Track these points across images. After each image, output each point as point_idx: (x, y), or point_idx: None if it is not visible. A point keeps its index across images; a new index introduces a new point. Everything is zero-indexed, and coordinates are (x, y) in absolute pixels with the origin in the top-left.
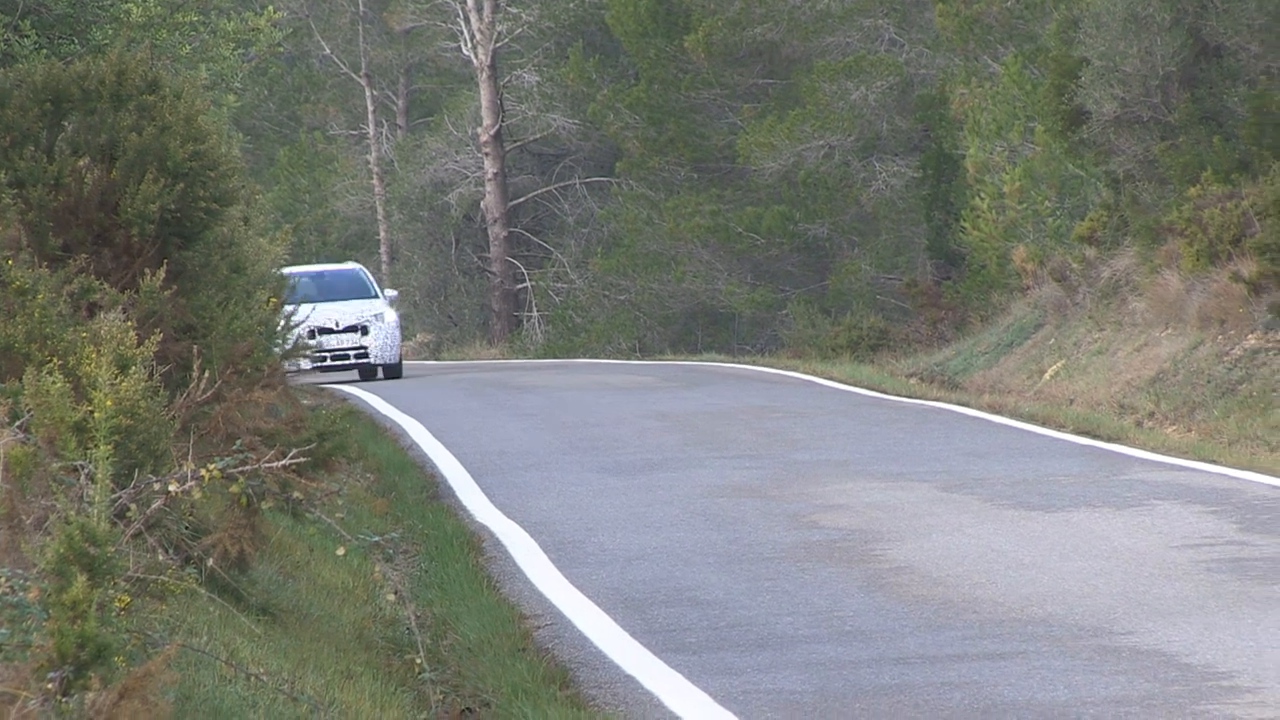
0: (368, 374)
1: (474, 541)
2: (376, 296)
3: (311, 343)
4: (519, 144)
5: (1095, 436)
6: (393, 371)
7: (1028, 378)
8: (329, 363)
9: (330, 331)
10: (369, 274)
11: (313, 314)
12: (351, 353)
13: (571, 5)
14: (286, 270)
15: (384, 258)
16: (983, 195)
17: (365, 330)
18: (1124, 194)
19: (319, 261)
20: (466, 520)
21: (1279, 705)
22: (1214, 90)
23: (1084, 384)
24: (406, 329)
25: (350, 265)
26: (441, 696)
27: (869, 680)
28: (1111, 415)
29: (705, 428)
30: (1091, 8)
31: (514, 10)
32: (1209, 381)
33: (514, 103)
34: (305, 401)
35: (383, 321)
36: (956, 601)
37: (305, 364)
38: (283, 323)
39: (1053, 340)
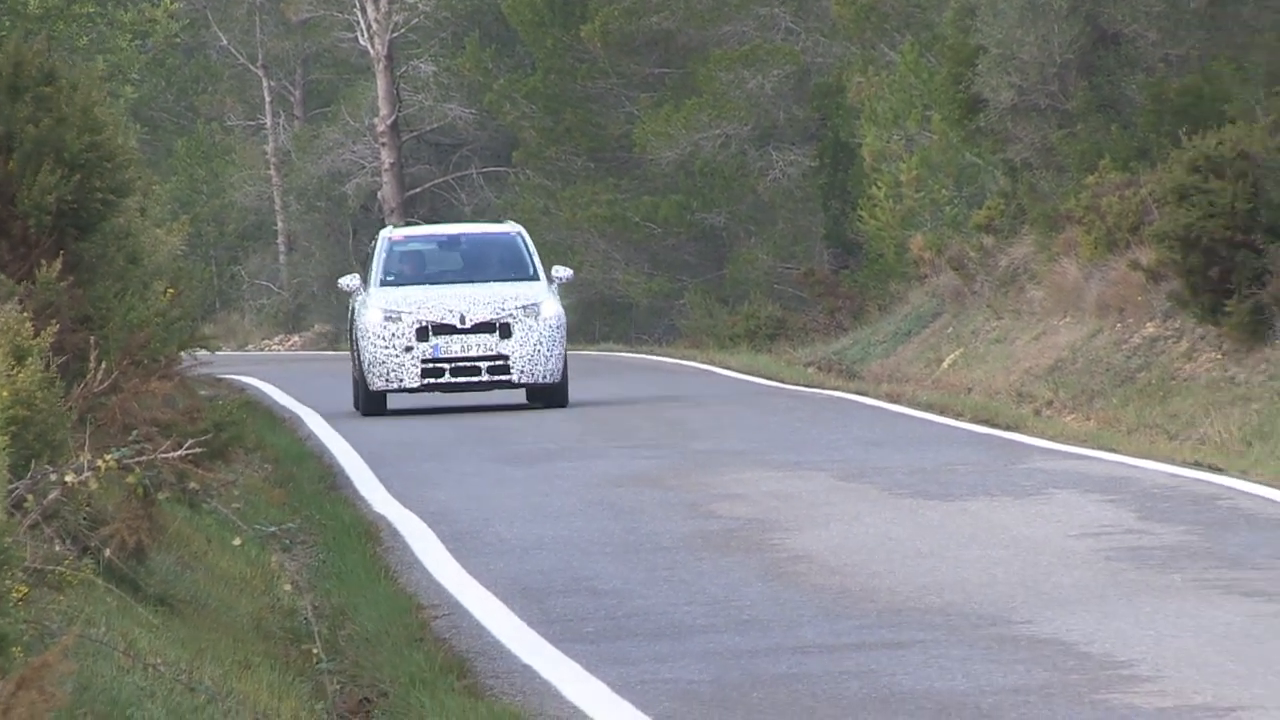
0: (535, 396)
1: (371, 532)
2: (536, 277)
3: (417, 348)
4: (415, 134)
5: (993, 425)
6: (552, 395)
7: (925, 366)
8: (446, 378)
9: (451, 330)
10: (529, 241)
11: (425, 300)
12: (483, 365)
13: None
14: (401, 231)
15: (282, 248)
16: (880, 184)
17: (507, 330)
18: (1021, 182)
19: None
20: (364, 510)
21: (1178, 694)
22: (1112, 78)
23: (982, 372)
24: (303, 319)
25: (505, 226)
26: (339, 686)
27: (766, 669)
28: (1010, 404)
29: (603, 417)
30: None
31: (410, 0)
32: (1107, 370)
33: (410, 93)
34: (203, 392)
35: (537, 318)
36: (854, 590)
37: (405, 376)
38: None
39: (950, 329)
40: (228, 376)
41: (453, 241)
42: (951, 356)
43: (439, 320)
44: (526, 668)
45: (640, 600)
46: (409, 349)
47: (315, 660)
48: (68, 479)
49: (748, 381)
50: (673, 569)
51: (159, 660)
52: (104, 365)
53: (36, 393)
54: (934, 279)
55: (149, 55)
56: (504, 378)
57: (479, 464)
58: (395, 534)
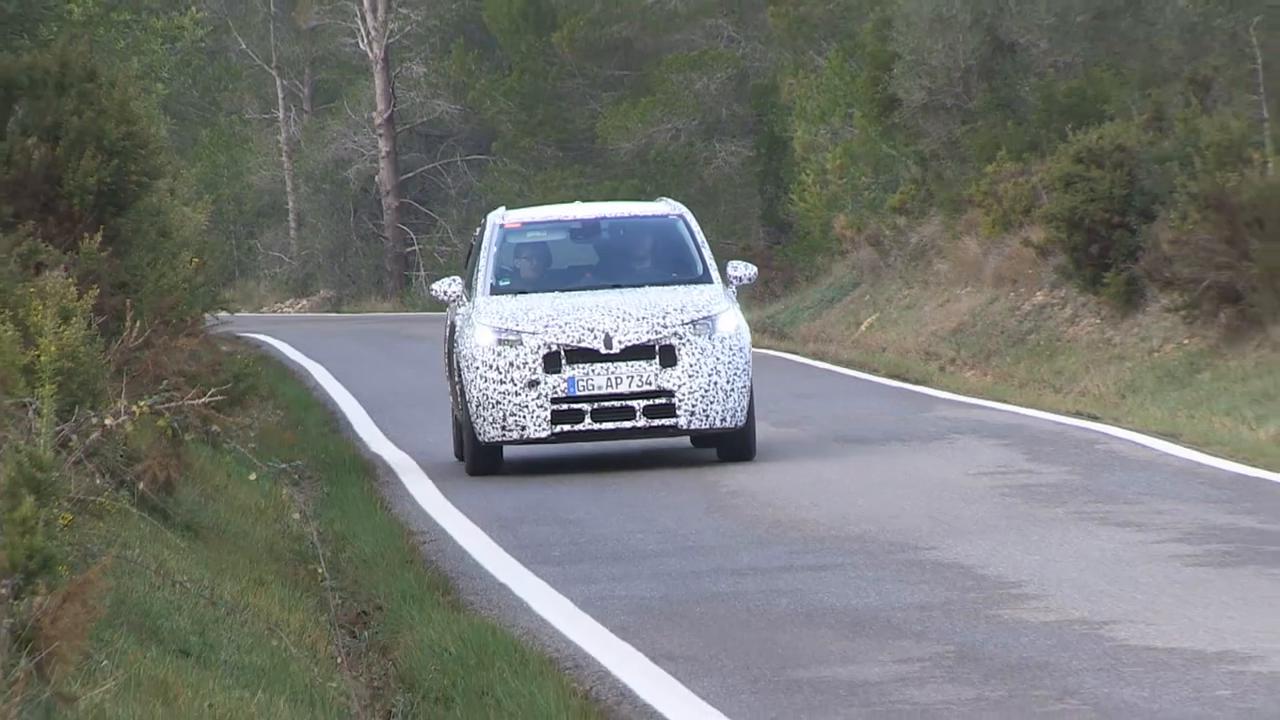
0: (705, 442)
1: (369, 469)
2: (708, 278)
3: (545, 382)
4: (408, 126)
5: (904, 380)
6: (733, 445)
7: (846, 329)
8: (586, 424)
9: (592, 357)
10: (695, 227)
11: (554, 315)
12: (638, 405)
13: (454, 6)
14: (518, 215)
15: (292, 224)
16: (808, 172)
17: (671, 355)
18: (930, 171)
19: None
20: (362, 450)
21: (1060, 610)
22: (1008, 81)
23: (895, 334)
24: (310, 285)
25: (662, 206)
26: (340, 601)
27: (708, 588)
28: (919, 361)
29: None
30: (903, 9)
31: (404, 11)
32: (1002, 332)
33: (404, 91)
34: (223, 348)
35: (712, 336)
36: (785, 521)
37: (529, 422)
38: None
39: (868, 296)
40: (245, 335)
41: (590, 228)
42: (869, 320)
43: (575, 343)
44: (502, 586)
45: (601, 529)
46: (534, 384)
47: (320, 579)
48: (107, 422)
49: None
50: (630, 504)
51: (185, 578)
52: (138, 325)
53: (80, 348)
54: (854, 254)
55: (178, 57)
56: (667, 422)
57: None
58: (389, 471)
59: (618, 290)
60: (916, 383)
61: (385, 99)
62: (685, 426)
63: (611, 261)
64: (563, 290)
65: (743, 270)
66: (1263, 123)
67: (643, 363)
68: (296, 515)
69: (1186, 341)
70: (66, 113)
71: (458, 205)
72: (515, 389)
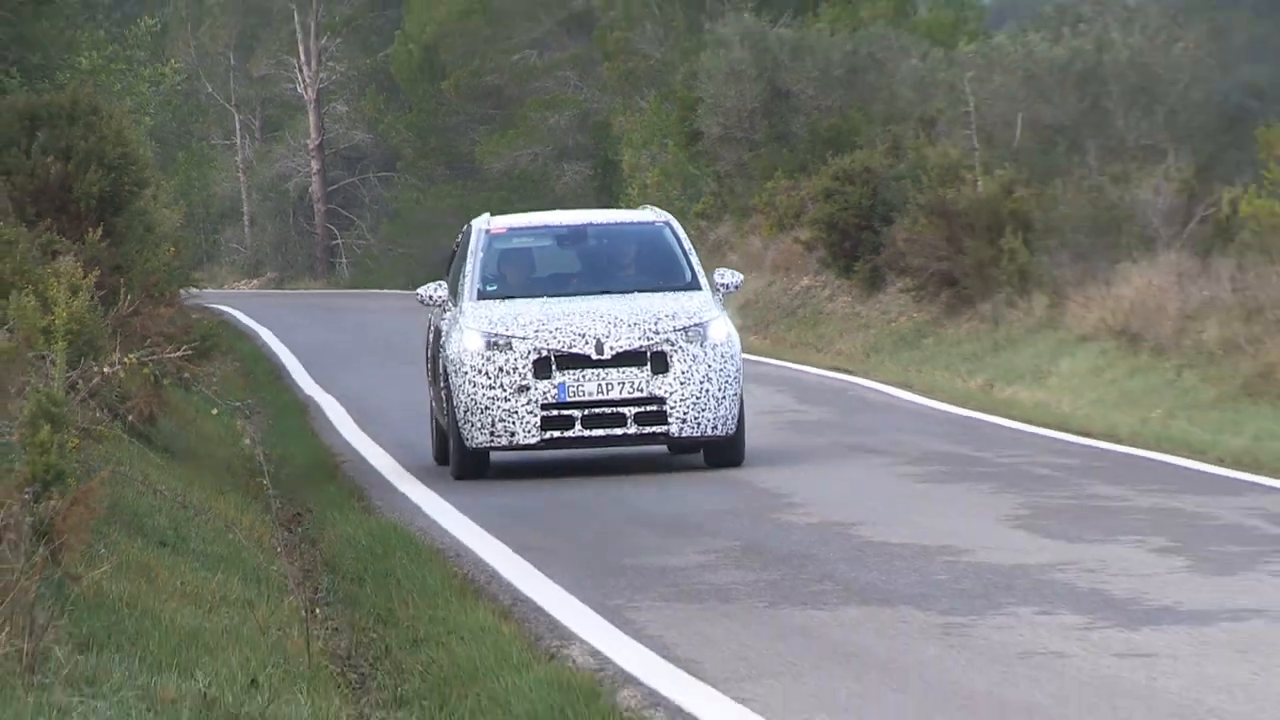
0: (689, 448)
1: (303, 407)
2: (696, 285)
3: (535, 387)
4: (334, 151)
5: None
6: (724, 452)
7: None
8: (577, 430)
9: (583, 362)
10: (682, 234)
11: (544, 319)
12: (629, 411)
13: (368, 60)
14: (503, 221)
15: (246, 223)
16: (633, 186)
17: (662, 362)
18: (725, 186)
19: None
20: (298, 394)
21: (821, 515)
22: (784, 119)
23: None
24: (259, 269)
25: (647, 214)
26: (280, 505)
27: (555, 497)
28: None
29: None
30: (705, 65)
31: (331, 64)
32: (778, 307)
33: (331, 123)
34: (193, 316)
35: (704, 343)
36: (617, 453)
37: (518, 428)
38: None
39: None
40: (209, 306)
41: (576, 234)
42: None
43: (566, 348)
44: (403, 494)
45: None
46: (524, 389)
47: (265, 489)
48: (105, 370)
49: None
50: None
51: (163, 488)
52: (129, 298)
53: (85, 315)
54: None
55: (160, 97)
56: (658, 429)
57: (376, 366)
58: (319, 409)
59: (607, 296)
60: None
61: (317, 130)
62: (677, 434)
63: (599, 267)
64: (551, 295)
65: (730, 277)
66: (974, 151)
67: (634, 369)
68: (248, 441)
69: (916, 315)
70: (76, 138)
71: (370, 210)
72: (505, 394)
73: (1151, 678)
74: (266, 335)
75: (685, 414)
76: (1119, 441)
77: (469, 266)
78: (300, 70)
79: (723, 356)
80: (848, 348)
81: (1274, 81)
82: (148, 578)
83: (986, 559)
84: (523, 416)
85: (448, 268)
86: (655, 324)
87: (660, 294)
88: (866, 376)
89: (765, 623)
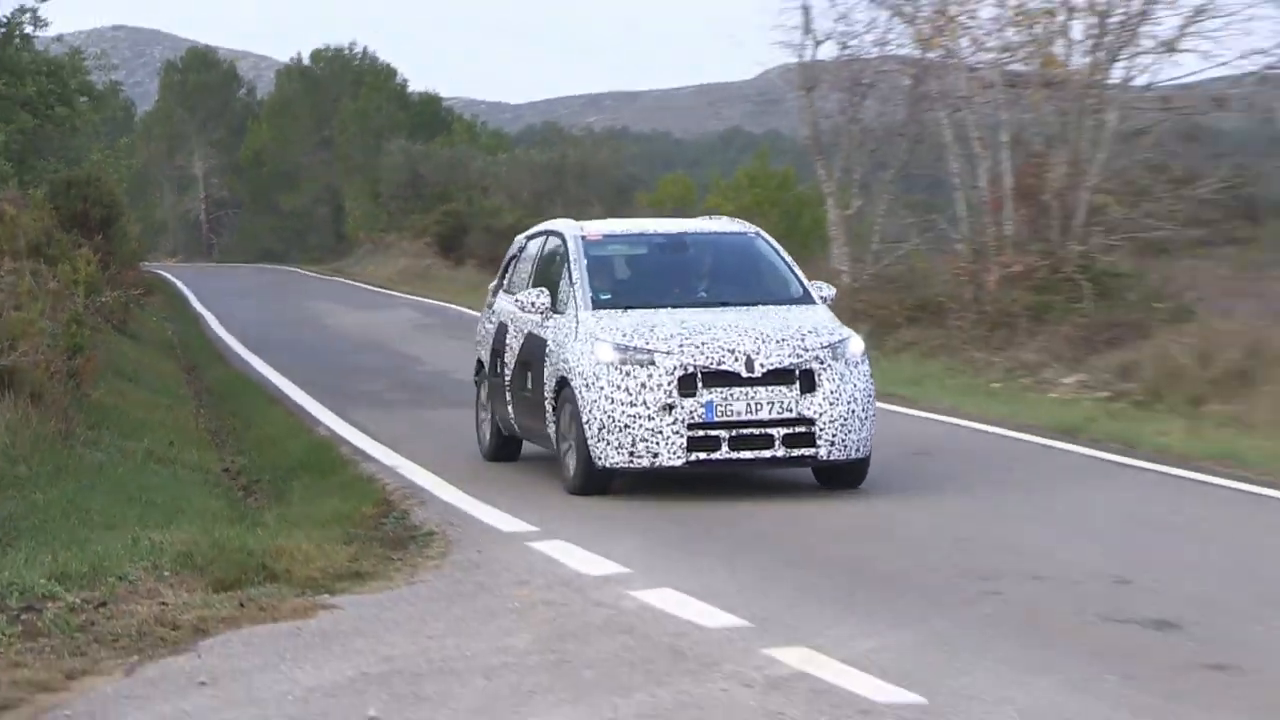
0: (828, 476)
1: (199, 318)
2: (810, 299)
3: (681, 406)
4: (211, 197)
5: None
6: (853, 475)
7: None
8: (724, 453)
9: (732, 380)
10: (775, 243)
11: (684, 334)
12: (777, 433)
13: (229, 157)
14: (596, 227)
15: (172, 231)
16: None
17: (811, 381)
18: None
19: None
20: (194, 310)
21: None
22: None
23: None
24: (174, 252)
25: (734, 224)
26: (184, 361)
27: (421, 415)
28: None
29: (319, 290)
30: (384, 164)
31: (212, 160)
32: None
33: (210, 185)
34: (147, 275)
35: (847, 361)
36: (401, 366)
37: (662, 448)
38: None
39: (369, 262)
40: (153, 271)
41: (675, 243)
42: (370, 268)
43: (715, 365)
44: (244, 359)
45: (353, 373)
46: (669, 407)
47: (177, 354)
48: (103, 299)
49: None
50: (356, 353)
51: (132, 355)
52: (114, 267)
53: (94, 274)
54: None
55: (130, 172)
56: (807, 452)
57: (235, 299)
58: (205, 320)
59: (731, 309)
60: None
61: (205, 188)
62: (825, 457)
63: (712, 278)
64: (672, 307)
65: (827, 291)
66: None
67: (783, 388)
68: (170, 334)
69: None
70: (90, 192)
71: (229, 226)
72: (647, 412)
73: None
74: (180, 283)
75: (834, 436)
76: None
77: (576, 274)
78: (194, 161)
79: (863, 374)
80: None
81: None
82: (122, 395)
83: None
84: (668, 437)
85: (502, 274)
86: (802, 340)
87: (785, 307)
88: None
89: None
